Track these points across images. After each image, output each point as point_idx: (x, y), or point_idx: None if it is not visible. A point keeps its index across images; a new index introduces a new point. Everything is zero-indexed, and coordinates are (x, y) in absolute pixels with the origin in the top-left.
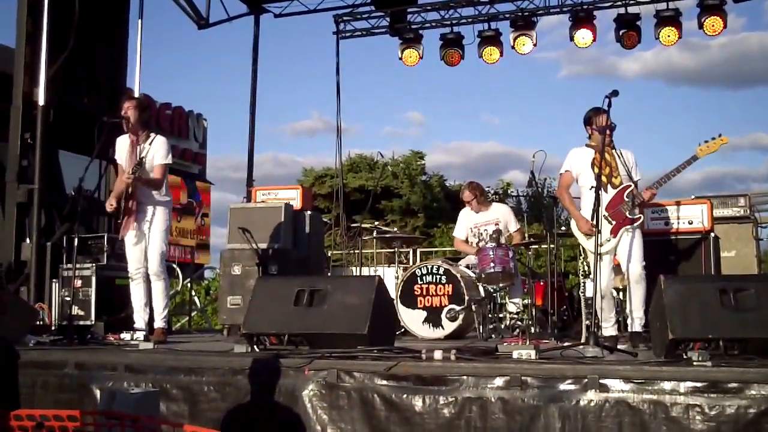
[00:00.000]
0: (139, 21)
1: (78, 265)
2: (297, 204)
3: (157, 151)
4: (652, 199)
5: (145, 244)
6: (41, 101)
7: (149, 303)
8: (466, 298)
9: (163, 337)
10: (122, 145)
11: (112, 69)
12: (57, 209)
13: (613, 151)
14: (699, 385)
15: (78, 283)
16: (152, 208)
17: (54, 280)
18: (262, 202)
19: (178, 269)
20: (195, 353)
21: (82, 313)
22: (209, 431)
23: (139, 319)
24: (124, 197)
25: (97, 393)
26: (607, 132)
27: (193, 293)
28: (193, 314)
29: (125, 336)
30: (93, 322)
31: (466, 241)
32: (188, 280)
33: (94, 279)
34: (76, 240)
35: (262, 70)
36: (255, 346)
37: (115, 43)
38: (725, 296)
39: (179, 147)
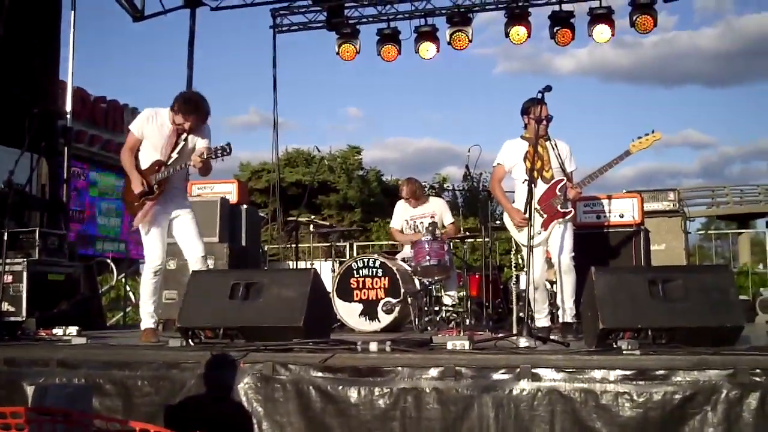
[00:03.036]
0: (72, 12)
1: (8, 260)
2: (233, 198)
3: (201, 135)
4: (578, 197)
5: (163, 234)
6: None
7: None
8: (402, 291)
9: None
10: (156, 122)
11: (45, 60)
12: None
13: (547, 143)
14: (628, 373)
15: (8, 278)
16: (184, 199)
17: None
18: (198, 196)
19: (112, 264)
20: (129, 348)
21: (12, 309)
22: (155, 428)
23: (147, 316)
24: (157, 181)
25: (28, 389)
26: (543, 123)
27: (128, 288)
28: (128, 310)
29: (57, 331)
30: (24, 318)
31: (401, 231)
32: (123, 275)
33: (25, 274)
34: (6, 234)
35: (198, 64)
36: (190, 340)
37: (47, 34)
38: (654, 287)
39: (114, 141)
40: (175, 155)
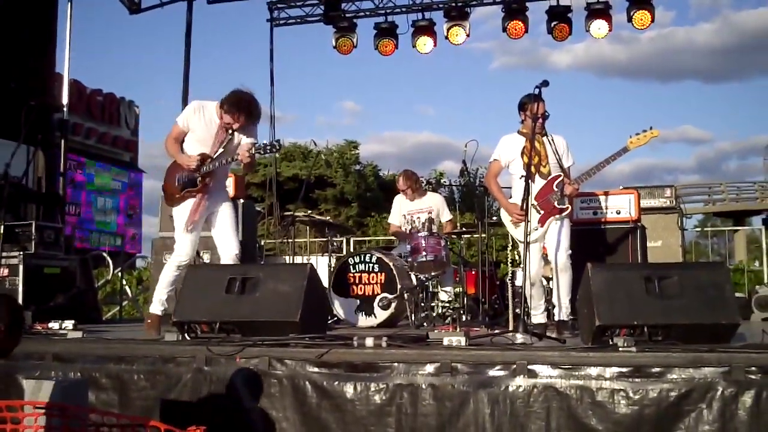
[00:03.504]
0: (69, 4)
1: (4, 254)
2: (230, 192)
3: (249, 132)
4: (575, 194)
5: (199, 231)
6: None
7: None
8: (399, 286)
9: (158, 331)
10: (203, 115)
11: (41, 53)
12: None
13: (544, 138)
14: (624, 370)
15: (4, 271)
16: (225, 194)
17: None
18: None
19: (108, 258)
20: (125, 341)
21: None
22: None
23: (158, 303)
24: (201, 174)
25: (24, 383)
26: (539, 120)
27: (125, 282)
28: (124, 304)
29: (53, 325)
30: None
31: (400, 227)
32: (119, 269)
33: (21, 267)
34: (2, 228)
35: (195, 57)
36: (186, 335)
37: (43, 26)
38: (650, 284)
39: (110, 134)
40: (220, 150)
